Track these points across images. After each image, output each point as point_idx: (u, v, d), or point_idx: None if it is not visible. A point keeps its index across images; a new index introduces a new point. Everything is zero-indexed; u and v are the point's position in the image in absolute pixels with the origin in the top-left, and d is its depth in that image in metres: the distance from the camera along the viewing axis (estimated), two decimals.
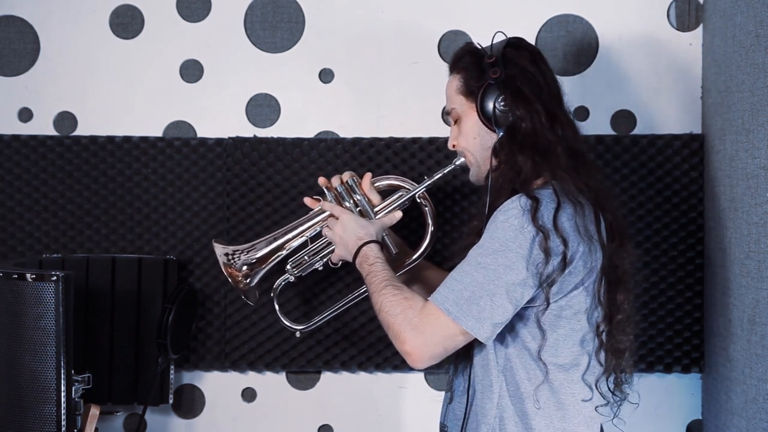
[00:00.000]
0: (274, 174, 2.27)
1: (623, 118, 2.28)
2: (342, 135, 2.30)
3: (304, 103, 2.31)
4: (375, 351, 2.27)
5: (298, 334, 2.10)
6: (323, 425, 2.33)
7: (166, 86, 2.32)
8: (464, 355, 1.75)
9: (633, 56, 2.27)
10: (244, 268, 2.00)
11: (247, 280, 2.00)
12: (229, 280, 1.99)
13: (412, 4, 2.29)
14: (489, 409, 1.70)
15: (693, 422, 2.28)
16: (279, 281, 2.05)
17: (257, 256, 2.00)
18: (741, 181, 1.91)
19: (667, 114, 2.27)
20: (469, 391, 1.74)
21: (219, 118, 2.31)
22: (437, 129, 2.29)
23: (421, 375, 2.31)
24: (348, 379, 2.32)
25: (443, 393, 2.30)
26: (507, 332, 1.69)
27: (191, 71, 2.32)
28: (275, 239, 2.01)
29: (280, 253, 2.01)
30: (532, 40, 2.23)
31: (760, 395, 1.79)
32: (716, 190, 2.11)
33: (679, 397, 2.28)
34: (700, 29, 2.26)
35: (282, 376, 2.33)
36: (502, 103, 1.75)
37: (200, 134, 2.32)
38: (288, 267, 2.03)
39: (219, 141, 2.29)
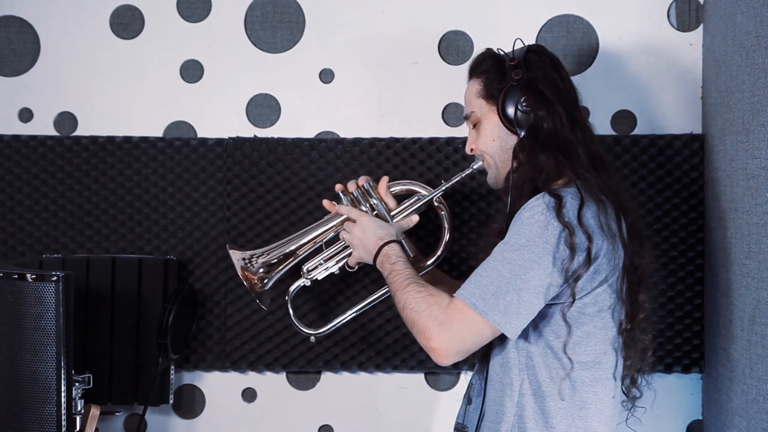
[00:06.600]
0: (275, 174, 2.27)
1: (624, 119, 2.28)
2: (342, 135, 2.30)
3: (305, 103, 2.31)
4: (375, 351, 2.27)
5: (312, 339, 2.09)
6: (323, 425, 2.33)
7: (166, 86, 2.32)
8: (482, 357, 1.76)
9: (633, 56, 2.27)
10: (260, 270, 1.98)
11: (263, 283, 1.98)
12: (245, 283, 1.97)
13: (413, 4, 2.29)
14: (509, 407, 1.70)
15: (693, 422, 2.28)
16: (294, 286, 2.03)
17: (273, 261, 1.98)
18: (741, 182, 1.91)
19: (668, 114, 2.27)
20: (485, 391, 1.74)
21: (219, 118, 2.31)
22: (437, 129, 2.29)
23: (422, 375, 2.31)
24: (348, 379, 2.32)
25: (443, 393, 2.31)
26: (530, 330, 1.69)
27: (191, 71, 2.32)
28: (291, 243, 2.00)
29: (294, 257, 2.00)
30: (532, 41, 2.23)
31: (761, 395, 1.79)
32: (716, 190, 2.11)
33: (679, 397, 2.28)
34: (700, 29, 2.26)
35: (282, 376, 2.33)
36: (524, 104, 1.77)
37: (200, 134, 2.32)
38: (303, 272, 2.01)
39: (219, 141, 2.29)
